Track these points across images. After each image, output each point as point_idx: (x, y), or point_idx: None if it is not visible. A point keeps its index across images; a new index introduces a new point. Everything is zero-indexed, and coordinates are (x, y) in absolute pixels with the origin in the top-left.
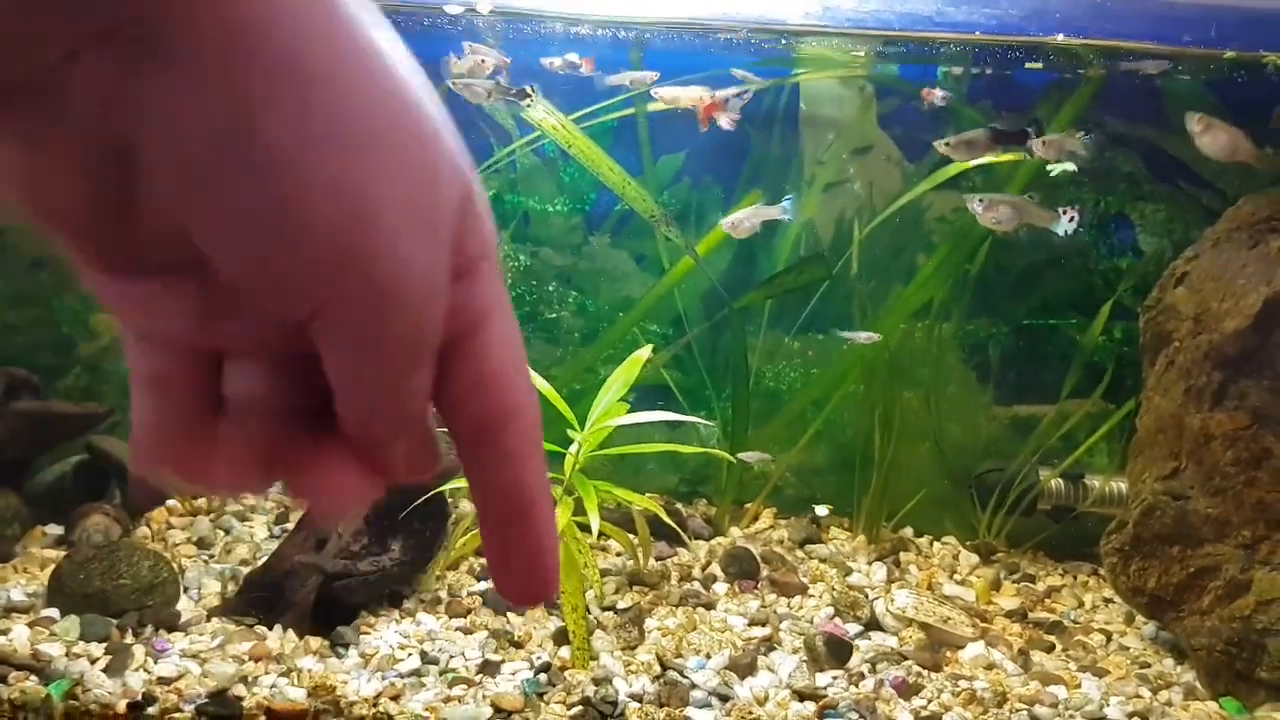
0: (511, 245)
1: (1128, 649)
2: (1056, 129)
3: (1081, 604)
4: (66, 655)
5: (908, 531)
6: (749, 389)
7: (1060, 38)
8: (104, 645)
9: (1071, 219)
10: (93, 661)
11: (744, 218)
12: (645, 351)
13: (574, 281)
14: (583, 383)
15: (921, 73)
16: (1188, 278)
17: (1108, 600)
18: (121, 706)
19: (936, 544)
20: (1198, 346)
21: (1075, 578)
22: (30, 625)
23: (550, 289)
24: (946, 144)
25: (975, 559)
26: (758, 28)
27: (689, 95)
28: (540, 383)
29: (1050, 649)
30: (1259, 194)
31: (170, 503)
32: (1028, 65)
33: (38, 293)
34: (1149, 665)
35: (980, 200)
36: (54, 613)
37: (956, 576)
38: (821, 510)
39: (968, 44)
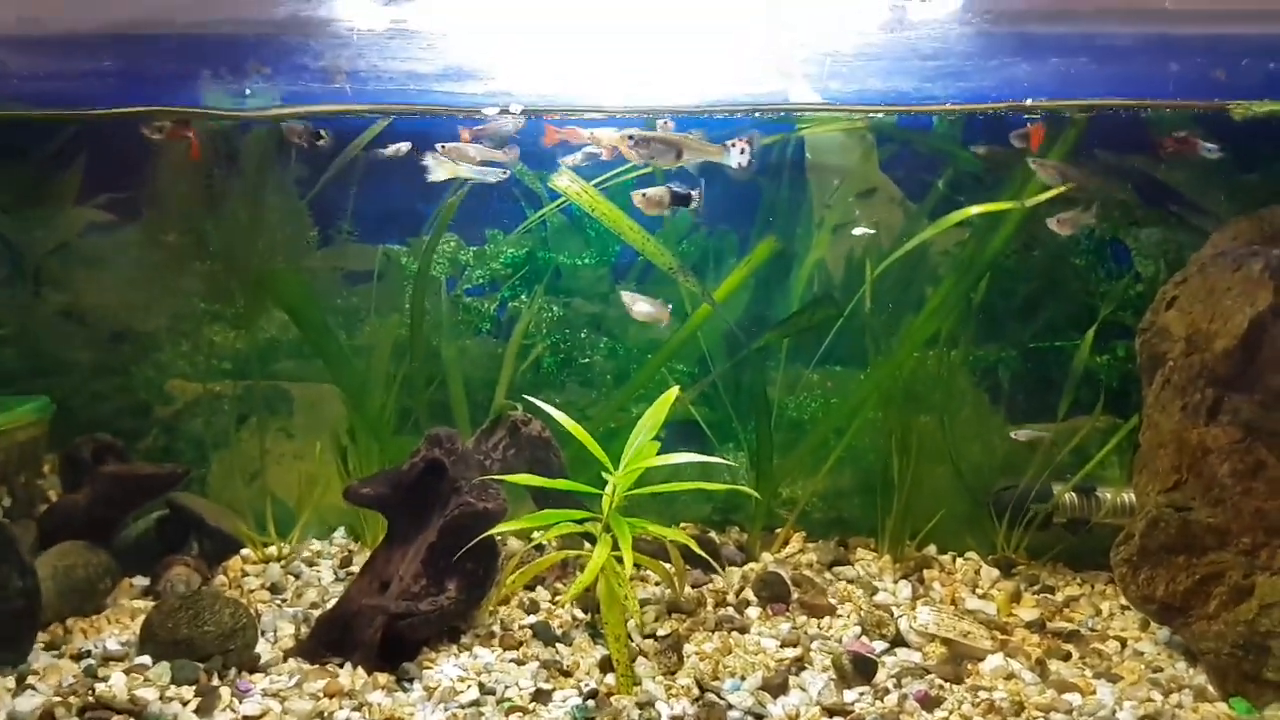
0: (545, 297)
1: (1142, 654)
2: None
3: (1099, 612)
4: (161, 699)
5: (931, 549)
6: (771, 422)
7: (1029, 101)
8: (193, 688)
9: (742, 150)
10: (184, 704)
11: (654, 193)
12: (671, 394)
13: (604, 328)
14: (617, 421)
15: (915, 120)
16: (1177, 301)
17: (1124, 608)
18: None
19: (959, 560)
20: (1191, 365)
21: (1093, 587)
22: (126, 672)
23: (582, 335)
24: (642, 195)
25: (996, 573)
26: (757, 107)
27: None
28: (575, 428)
29: (1067, 657)
30: (1241, 218)
31: (244, 551)
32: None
33: (118, 362)
34: (1161, 670)
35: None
36: (146, 659)
37: (979, 590)
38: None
39: (945, 113)
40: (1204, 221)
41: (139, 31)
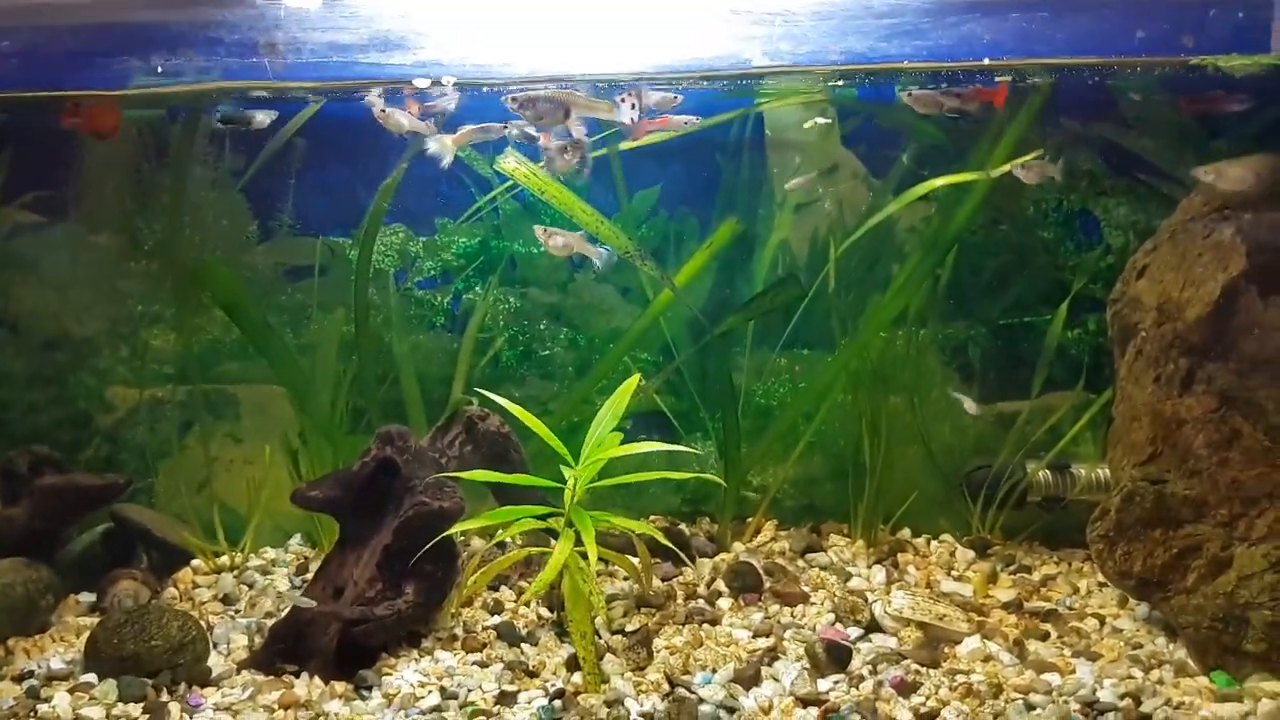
0: (500, 288)
1: (1121, 631)
2: (1014, 135)
3: (1076, 590)
4: (107, 717)
5: (905, 533)
6: (738, 409)
7: (986, 60)
8: (141, 705)
9: (632, 105)
10: None
11: (561, 238)
12: (632, 382)
13: (563, 318)
14: (580, 414)
15: (877, 93)
16: (1148, 269)
17: (1102, 585)
18: None
19: (934, 543)
20: (1163, 335)
21: (1070, 565)
22: (71, 691)
23: (541, 327)
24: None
25: (972, 554)
26: (710, 74)
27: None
28: (533, 421)
29: (1045, 637)
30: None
31: (195, 562)
32: (997, 80)
33: (54, 371)
34: (1141, 646)
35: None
36: (92, 678)
37: (954, 572)
38: None
39: (904, 72)
40: (1174, 190)
41: (48, 11)
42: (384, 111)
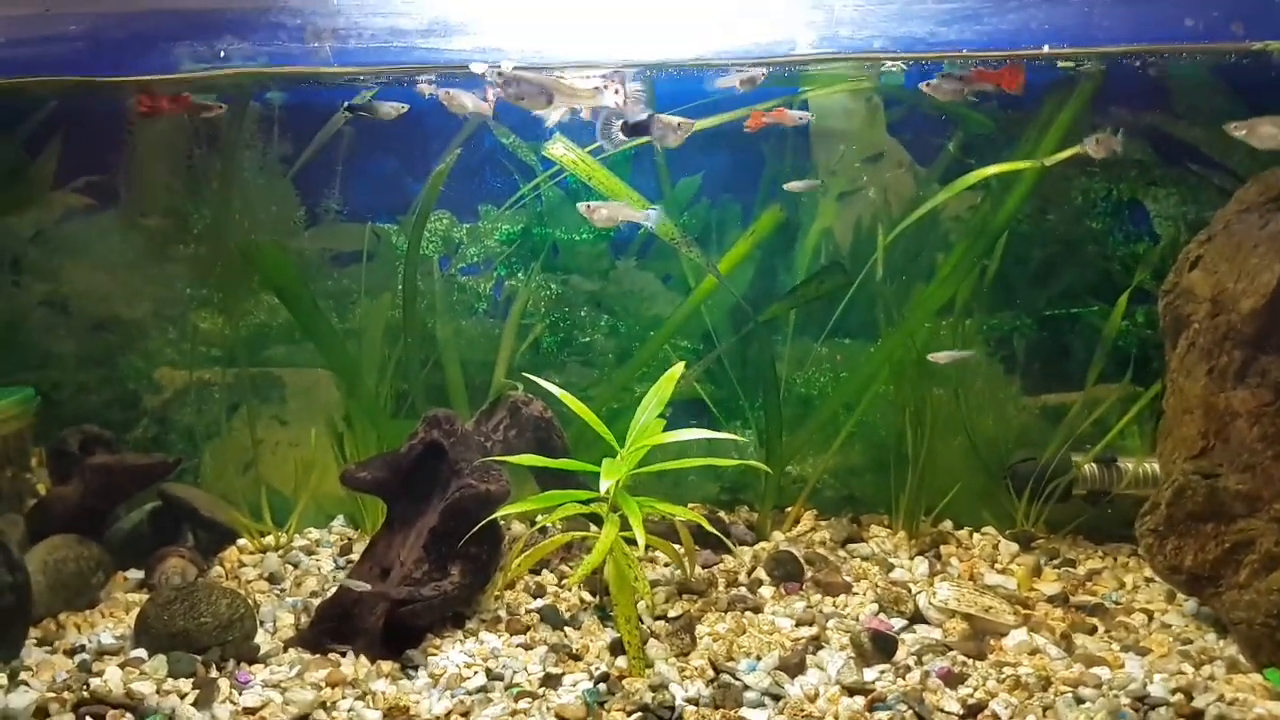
0: (542, 274)
1: (1170, 626)
2: (1061, 125)
3: (1123, 585)
4: (157, 692)
5: (947, 525)
6: (779, 397)
7: (1046, 48)
8: (191, 680)
9: (616, 91)
10: (182, 696)
11: (605, 209)
12: (677, 370)
13: (604, 305)
14: (620, 401)
15: (923, 76)
16: (1202, 260)
17: (1149, 580)
18: None
19: (976, 535)
20: (1216, 327)
21: (1115, 559)
22: (121, 666)
23: (582, 313)
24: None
25: (1015, 547)
26: (764, 61)
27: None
28: (579, 406)
29: (1093, 631)
30: (1266, 173)
31: (241, 542)
32: (1060, 65)
33: (104, 352)
34: (1191, 641)
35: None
36: (142, 653)
37: (998, 565)
38: None
39: (963, 59)
40: (1225, 180)
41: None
42: (447, 93)
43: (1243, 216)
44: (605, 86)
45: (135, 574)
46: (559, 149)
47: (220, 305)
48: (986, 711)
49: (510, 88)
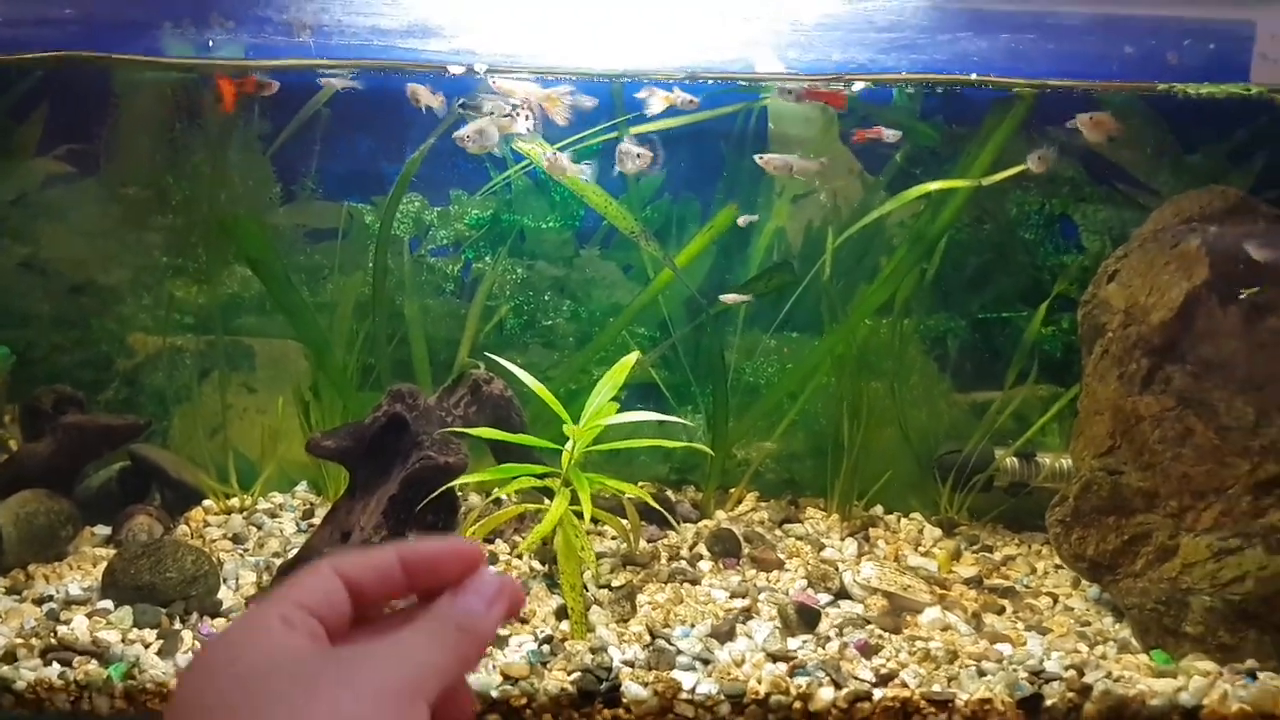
0: (509, 260)
1: (1072, 610)
2: (998, 142)
3: (1034, 570)
4: (123, 641)
5: (878, 510)
6: (728, 386)
7: (974, 76)
8: (155, 631)
9: (526, 117)
10: (146, 646)
11: (479, 126)
12: (632, 356)
13: (567, 291)
14: (577, 383)
15: (878, 92)
16: (1118, 274)
17: (1058, 567)
18: (175, 685)
19: (904, 520)
20: (1128, 337)
21: (1030, 547)
22: (88, 616)
23: (545, 298)
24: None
25: (939, 532)
26: (723, 75)
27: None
28: (537, 386)
29: (1001, 611)
30: (1180, 196)
31: (206, 503)
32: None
33: (79, 314)
34: (1089, 624)
35: None
36: (108, 604)
37: (921, 549)
38: None
39: (896, 82)
40: (1150, 200)
41: None
42: (413, 88)
43: (1157, 235)
44: (517, 114)
45: (103, 530)
46: (528, 143)
47: (194, 274)
48: (896, 680)
49: (471, 142)
